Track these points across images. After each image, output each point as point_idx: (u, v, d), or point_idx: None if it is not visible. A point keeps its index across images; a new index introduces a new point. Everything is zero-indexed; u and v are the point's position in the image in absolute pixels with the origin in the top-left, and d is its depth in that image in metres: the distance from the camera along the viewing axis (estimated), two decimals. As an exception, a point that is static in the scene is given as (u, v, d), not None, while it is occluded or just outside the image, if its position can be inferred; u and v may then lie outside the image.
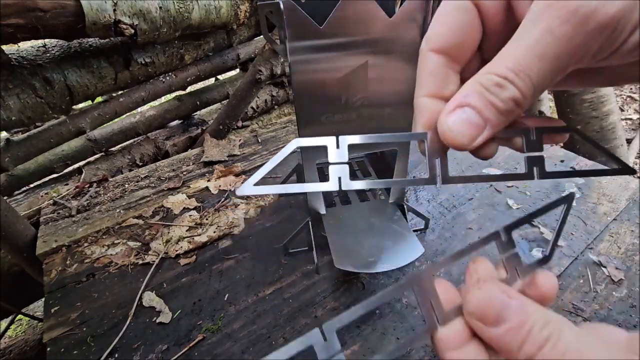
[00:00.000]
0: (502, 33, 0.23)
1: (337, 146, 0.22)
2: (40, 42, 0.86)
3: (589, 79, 0.24)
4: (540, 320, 0.19)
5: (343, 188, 0.22)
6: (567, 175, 0.25)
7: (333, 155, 0.22)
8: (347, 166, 0.22)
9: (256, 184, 0.22)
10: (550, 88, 0.21)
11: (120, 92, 1.12)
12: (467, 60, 0.24)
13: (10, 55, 0.81)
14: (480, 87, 0.20)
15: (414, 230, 0.75)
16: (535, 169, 0.23)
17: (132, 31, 0.84)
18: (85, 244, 0.81)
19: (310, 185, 0.23)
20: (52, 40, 0.88)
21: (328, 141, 0.22)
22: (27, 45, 0.87)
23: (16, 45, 0.84)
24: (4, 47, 0.79)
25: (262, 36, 1.35)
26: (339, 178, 0.22)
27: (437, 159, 0.23)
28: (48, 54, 0.86)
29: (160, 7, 0.88)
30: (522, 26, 0.19)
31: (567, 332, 0.18)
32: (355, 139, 0.23)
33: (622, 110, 2.77)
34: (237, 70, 1.52)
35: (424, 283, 0.22)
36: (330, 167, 0.22)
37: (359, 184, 0.23)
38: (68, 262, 0.76)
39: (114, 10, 0.79)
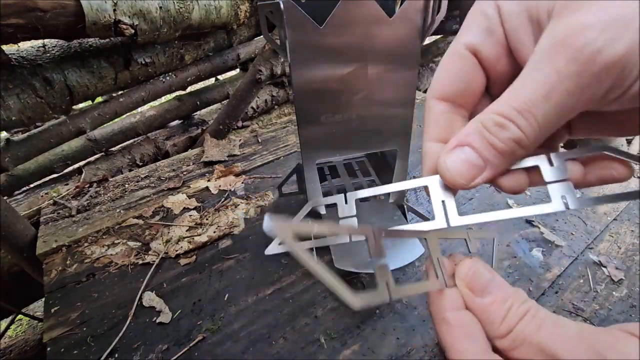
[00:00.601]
0: (507, 77, 0.23)
1: (346, 202, 0.24)
2: (40, 42, 0.86)
3: (597, 128, 0.23)
4: (519, 298, 0.20)
5: (353, 240, 0.23)
6: (605, 200, 0.23)
7: (342, 210, 0.24)
8: (355, 219, 0.24)
9: (281, 243, 0.24)
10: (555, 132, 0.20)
11: (120, 92, 1.12)
12: (474, 105, 0.24)
13: (10, 55, 0.81)
14: (481, 127, 0.20)
15: (414, 230, 0.75)
16: (562, 197, 0.22)
17: (132, 31, 0.84)
18: (86, 244, 0.81)
19: (330, 239, 0.25)
20: (52, 40, 0.88)
21: (337, 199, 0.24)
22: (27, 45, 0.87)
23: (16, 45, 0.84)
24: (4, 47, 0.79)
25: (262, 36, 1.35)
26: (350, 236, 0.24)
27: (443, 200, 0.23)
28: (48, 54, 0.86)
29: (161, 7, 0.88)
30: (527, 67, 0.19)
31: (544, 310, 0.20)
32: (361, 193, 0.24)
33: (622, 110, 2.78)
34: (237, 70, 1.52)
35: (432, 241, 0.23)
36: (340, 222, 0.24)
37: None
38: (68, 262, 0.76)
39: (114, 10, 0.79)
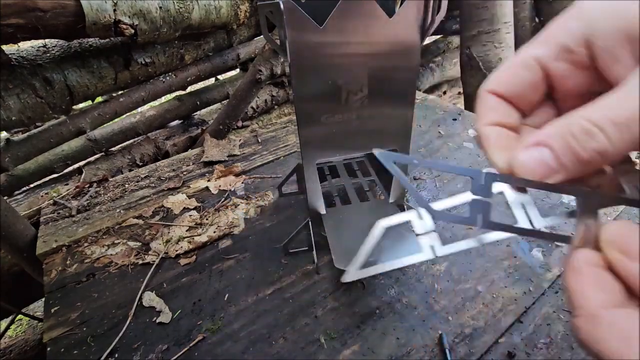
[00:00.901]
0: (579, 91, 0.23)
1: (420, 218, 0.24)
2: (40, 42, 0.86)
3: None
4: None
5: (438, 255, 0.24)
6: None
7: (419, 227, 0.24)
8: (436, 234, 0.24)
9: (359, 269, 0.24)
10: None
11: (120, 92, 1.12)
12: (528, 110, 0.25)
13: (10, 55, 0.81)
14: (565, 130, 0.20)
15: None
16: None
17: (132, 31, 0.84)
18: (86, 244, 0.81)
19: (404, 260, 0.25)
20: (52, 40, 0.89)
21: (411, 216, 0.24)
22: (27, 45, 0.87)
23: (16, 45, 0.84)
24: (4, 47, 0.79)
25: (262, 36, 1.35)
26: (432, 246, 0.24)
27: (522, 203, 0.24)
28: (48, 54, 0.86)
29: (160, 7, 0.88)
30: (629, 81, 0.18)
31: None
32: (436, 205, 0.24)
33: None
34: (237, 70, 1.52)
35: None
36: (420, 238, 0.24)
37: (451, 248, 0.24)
38: (68, 262, 0.76)
39: (114, 10, 0.79)
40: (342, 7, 0.46)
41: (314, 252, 0.68)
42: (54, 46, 0.89)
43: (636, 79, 0.18)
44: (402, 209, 0.68)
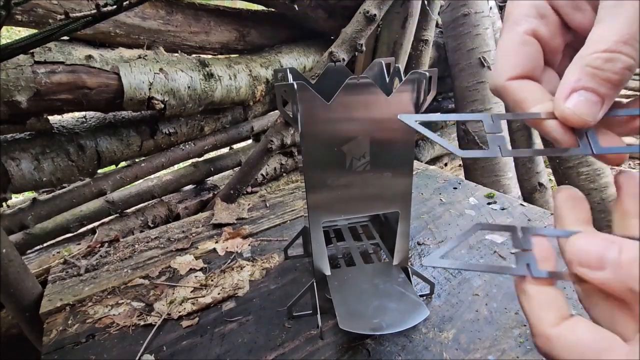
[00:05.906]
0: (561, 49, 0.29)
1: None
2: (81, 113, 0.98)
3: None
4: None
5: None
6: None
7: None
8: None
9: (442, 257, 0.26)
10: None
11: (142, 158, 1.21)
12: (539, 79, 0.29)
13: (53, 124, 0.91)
14: (590, 69, 0.23)
15: (420, 296, 0.74)
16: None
17: (162, 106, 0.95)
18: (90, 304, 0.80)
19: (491, 266, 0.28)
20: (91, 112, 1.00)
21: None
22: (68, 116, 0.98)
23: (60, 116, 0.95)
24: (49, 117, 0.90)
25: (274, 111, 1.50)
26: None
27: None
28: (85, 124, 0.97)
29: (189, 87, 1.01)
30: (604, 13, 0.23)
31: None
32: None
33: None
34: (250, 141, 1.65)
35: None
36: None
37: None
38: (70, 321, 0.76)
39: (149, 88, 0.91)
40: (346, 87, 0.54)
41: (318, 315, 0.67)
42: (92, 117, 1.00)
43: (606, 9, 0.23)
44: (405, 271, 0.69)
